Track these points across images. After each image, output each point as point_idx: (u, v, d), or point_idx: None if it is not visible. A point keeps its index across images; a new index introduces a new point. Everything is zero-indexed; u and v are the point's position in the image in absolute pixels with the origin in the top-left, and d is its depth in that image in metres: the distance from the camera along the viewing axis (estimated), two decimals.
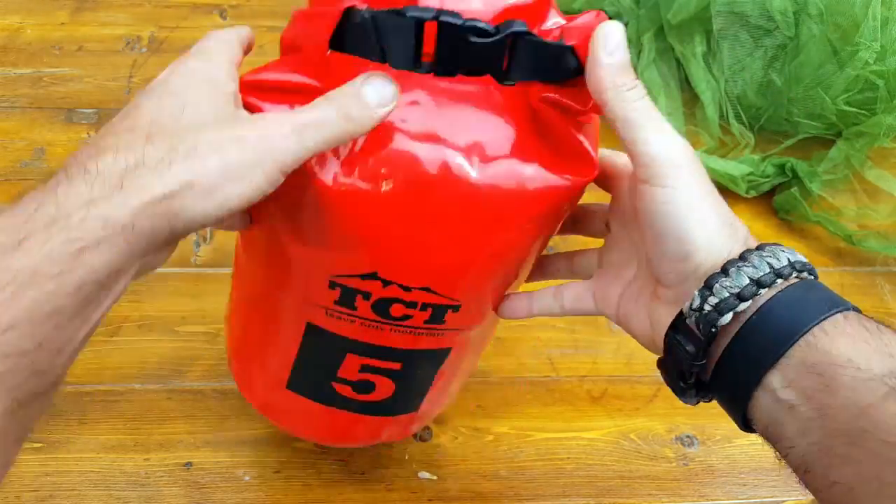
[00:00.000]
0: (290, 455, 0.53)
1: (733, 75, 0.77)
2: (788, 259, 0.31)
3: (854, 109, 0.71)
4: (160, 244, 0.28)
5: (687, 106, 0.79)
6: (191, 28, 0.87)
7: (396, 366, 0.41)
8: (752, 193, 0.74)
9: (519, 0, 0.33)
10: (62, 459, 0.51)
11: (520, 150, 0.35)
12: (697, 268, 0.32)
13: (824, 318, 0.30)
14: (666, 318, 0.33)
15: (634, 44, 0.83)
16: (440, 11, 0.31)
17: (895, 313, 0.67)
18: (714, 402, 0.34)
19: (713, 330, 0.31)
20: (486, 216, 0.35)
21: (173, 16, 0.88)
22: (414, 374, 0.43)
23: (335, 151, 0.34)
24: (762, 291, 0.30)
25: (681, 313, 0.32)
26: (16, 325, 0.24)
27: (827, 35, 0.70)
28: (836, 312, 0.30)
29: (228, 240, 0.66)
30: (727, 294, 0.30)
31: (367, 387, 0.43)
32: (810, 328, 0.29)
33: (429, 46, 0.32)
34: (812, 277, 0.32)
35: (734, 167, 0.73)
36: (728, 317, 0.30)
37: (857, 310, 0.31)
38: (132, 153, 0.27)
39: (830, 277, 0.70)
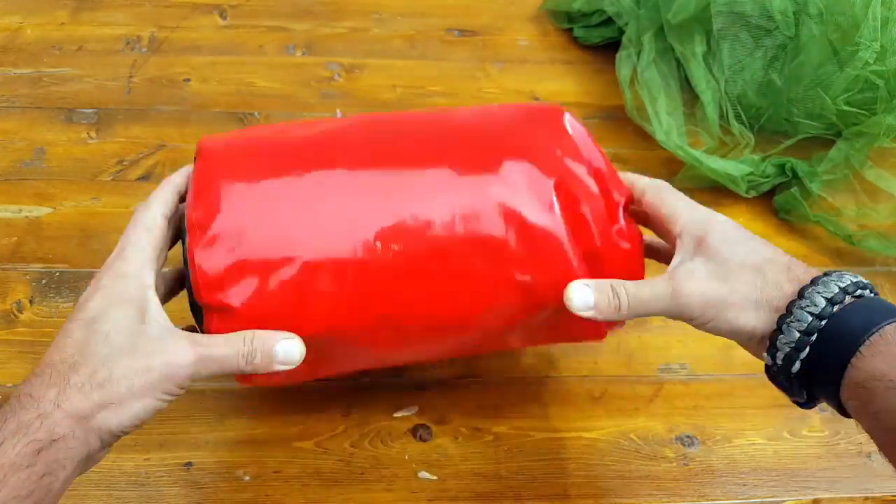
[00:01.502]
0: (291, 455, 0.53)
1: (733, 75, 0.77)
2: (826, 298, 0.37)
3: (854, 109, 0.71)
4: (96, 447, 0.36)
5: (687, 106, 0.79)
6: (191, 28, 0.87)
7: None
8: (752, 193, 0.74)
9: None
10: None
11: None
12: (758, 338, 0.40)
13: (864, 342, 0.35)
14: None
15: (634, 44, 0.83)
16: None
17: None
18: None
19: (793, 375, 0.38)
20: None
21: (173, 16, 0.88)
22: None
23: None
24: (813, 338, 0.37)
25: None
26: (6, 502, 0.32)
27: (827, 35, 0.70)
28: (874, 332, 0.36)
29: None
30: (788, 349, 0.38)
31: None
32: (855, 353, 0.35)
33: None
34: (854, 298, 0.38)
35: (734, 167, 0.73)
36: (797, 366, 0.38)
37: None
38: (61, 382, 0.35)
39: None
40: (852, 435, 0.58)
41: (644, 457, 0.56)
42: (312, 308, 0.41)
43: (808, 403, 0.40)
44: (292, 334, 0.40)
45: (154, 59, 0.83)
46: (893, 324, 0.36)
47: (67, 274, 0.62)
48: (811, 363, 0.37)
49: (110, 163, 0.71)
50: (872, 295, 0.39)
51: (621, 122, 0.82)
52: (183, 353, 0.38)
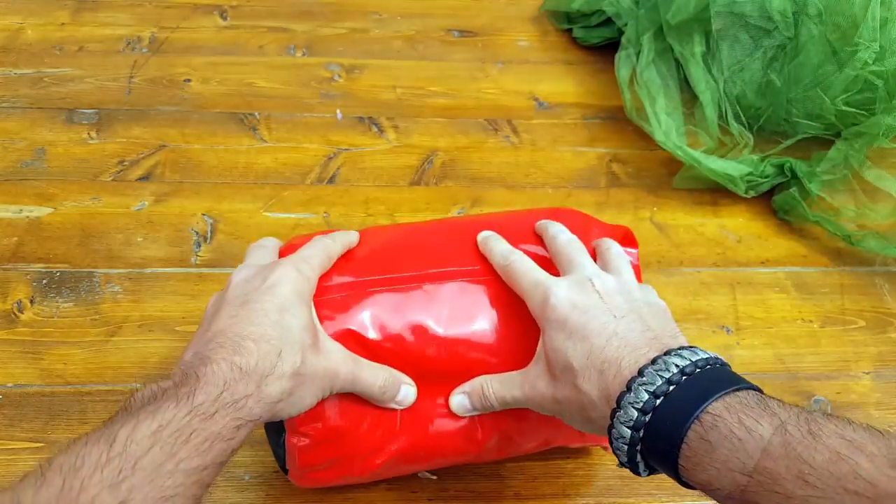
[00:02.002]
0: None
1: (732, 76, 0.77)
2: (636, 409, 0.36)
3: (853, 110, 0.71)
4: (250, 424, 0.39)
5: (686, 106, 0.79)
6: (191, 28, 0.87)
7: None
8: (752, 194, 0.74)
9: None
10: None
11: None
12: (601, 420, 0.39)
13: (679, 453, 0.35)
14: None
15: (634, 44, 0.83)
16: None
17: (894, 313, 0.68)
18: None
19: (638, 460, 0.38)
20: None
21: (174, 16, 0.89)
22: None
23: None
24: (647, 418, 0.36)
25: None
26: (208, 467, 0.35)
27: (826, 35, 0.70)
28: (683, 441, 0.35)
29: (228, 240, 0.66)
30: (624, 459, 0.38)
31: None
32: (677, 466, 0.35)
33: None
34: (661, 398, 0.36)
35: (733, 167, 0.73)
36: (640, 466, 0.38)
37: (697, 407, 0.35)
38: (269, 365, 0.39)
39: (829, 277, 0.70)
40: None
41: None
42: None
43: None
44: (412, 381, 0.45)
45: (154, 60, 0.83)
46: (694, 425, 0.34)
47: (68, 274, 0.62)
48: (651, 468, 0.38)
49: (111, 163, 0.72)
50: (683, 378, 0.36)
51: (620, 123, 0.82)
52: (344, 366, 0.43)
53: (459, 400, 0.46)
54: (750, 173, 0.73)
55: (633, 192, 0.76)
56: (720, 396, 0.35)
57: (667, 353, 0.38)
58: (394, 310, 0.45)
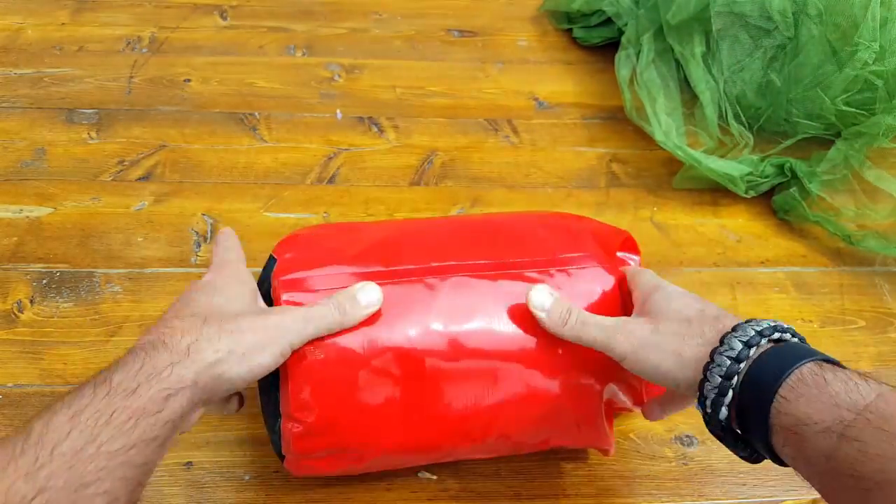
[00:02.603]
0: None
1: (732, 76, 0.77)
2: (742, 342, 0.38)
3: (853, 110, 0.71)
4: (215, 398, 0.40)
5: (686, 106, 0.79)
6: (191, 28, 0.87)
7: None
8: (752, 193, 0.74)
9: None
10: None
11: None
12: (685, 387, 0.41)
13: (782, 384, 0.36)
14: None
15: (634, 44, 0.83)
16: None
17: (894, 313, 0.68)
18: None
19: (723, 424, 0.39)
20: None
21: (174, 16, 0.89)
22: None
23: None
24: (734, 382, 0.38)
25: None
26: (136, 445, 0.34)
27: (826, 35, 0.70)
28: (791, 374, 0.36)
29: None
30: (714, 395, 0.38)
31: None
32: (775, 396, 0.36)
33: None
34: (772, 342, 0.39)
35: (733, 167, 0.73)
36: (724, 412, 0.38)
37: (812, 356, 0.37)
38: (195, 332, 0.39)
39: (829, 277, 0.70)
40: None
41: (644, 456, 0.56)
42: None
43: (753, 458, 0.40)
44: (366, 282, 0.45)
45: (154, 60, 0.83)
46: (810, 364, 0.36)
47: (68, 274, 0.62)
48: (740, 412, 0.38)
49: (111, 163, 0.72)
50: (795, 340, 0.39)
51: (620, 123, 0.82)
52: (290, 316, 0.42)
53: (542, 296, 0.45)
54: (750, 173, 0.73)
55: (633, 192, 0.76)
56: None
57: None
58: (394, 303, 0.45)
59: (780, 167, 0.74)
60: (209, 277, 0.44)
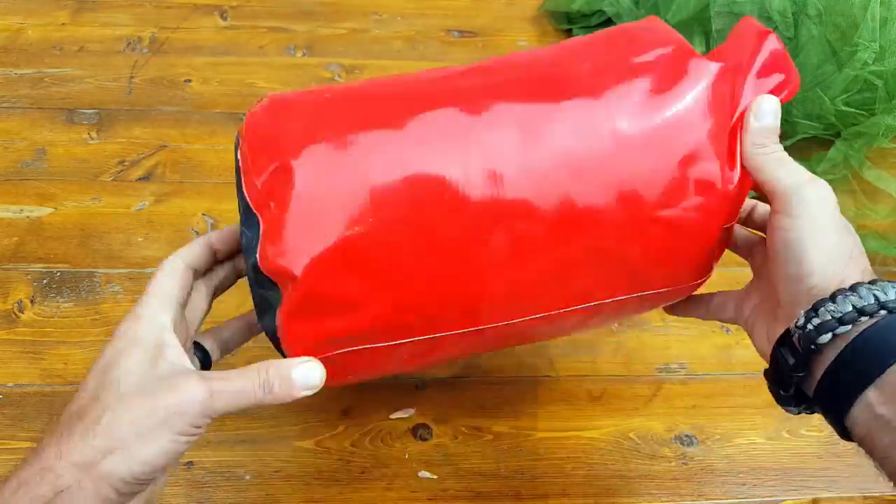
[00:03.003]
0: (290, 455, 0.53)
1: None
2: (876, 297, 0.34)
3: (853, 110, 0.71)
4: (112, 497, 0.34)
5: None
6: (191, 29, 0.87)
7: None
8: (752, 194, 0.74)
9: None
10: None
11: None
12: (810, 290, 0.36)
13: None
14: (778, 333, 0.38)
15: None
16: None
17: None
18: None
19: (812, 347, 0.35)
20: None
21: (174, 16, 0.89)
22: None
23: None
24: (863, 319, 0.34)
25: (788, 330, 0.37)
26: None
27: (826, 35, 0.70)
28: None
29: None
30: (829, 318, 0.35)
31: None
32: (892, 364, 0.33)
33: None
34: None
35: None
36: (827, 336, 0.35)
37: None
38: (66, 431, 0.35)
39: None
40: None
41: (643, 456, 0.56)
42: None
43: (791, 403, 0.38)
44: (308, 357, 0.37)
45: (155, 60, 0.83)
46: None
47: (68, 274, 0.62)
48: (851, 349, 0.34)
49: (111, 163, 0.72)
50: None
51: None
52: (194, 389, 0.35)
53: (771, 104, 0.43)
54: None
55: None
56: None
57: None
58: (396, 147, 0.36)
59: None
60: (107, 341, 0.38)
